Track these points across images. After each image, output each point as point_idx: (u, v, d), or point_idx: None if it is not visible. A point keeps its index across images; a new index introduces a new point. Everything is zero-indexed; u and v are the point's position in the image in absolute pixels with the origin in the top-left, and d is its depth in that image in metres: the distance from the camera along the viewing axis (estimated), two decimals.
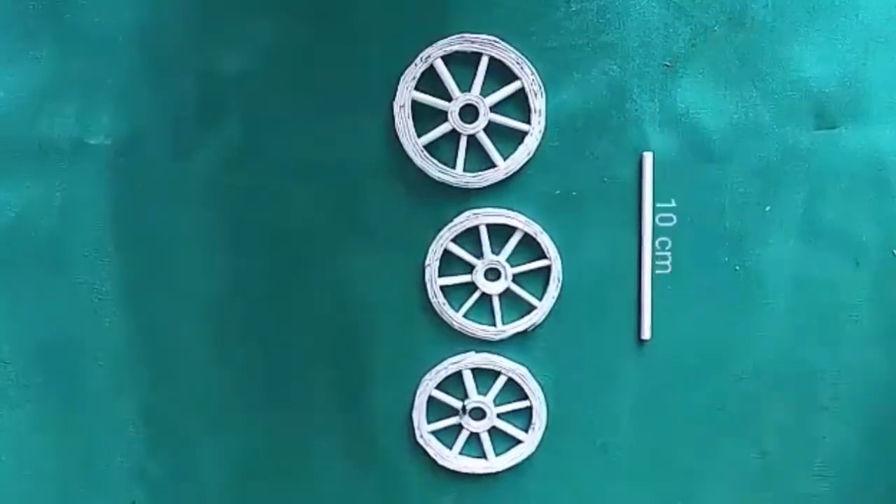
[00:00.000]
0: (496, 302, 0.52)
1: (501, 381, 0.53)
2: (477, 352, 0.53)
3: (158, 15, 0.51)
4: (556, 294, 0.52)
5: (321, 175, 0.52)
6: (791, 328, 0.52)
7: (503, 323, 0.52)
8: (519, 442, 0.53)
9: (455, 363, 0.52)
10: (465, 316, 0.52)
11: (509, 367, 0.52)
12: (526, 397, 0.53)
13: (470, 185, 0.51)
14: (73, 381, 0.56)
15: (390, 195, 0.52)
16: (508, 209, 0.51)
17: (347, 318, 0.54)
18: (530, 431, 0.52)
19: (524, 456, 0.53)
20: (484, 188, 0.51)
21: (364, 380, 0.55)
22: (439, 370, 0.52)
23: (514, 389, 0.53)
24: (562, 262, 0.52)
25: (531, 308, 0.52)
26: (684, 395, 0.51)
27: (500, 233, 0.52)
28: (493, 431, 0.53)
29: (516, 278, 0.52)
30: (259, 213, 0.53)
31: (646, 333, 0.52)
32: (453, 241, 0.52)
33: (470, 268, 0.52)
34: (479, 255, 0.52)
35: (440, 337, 0.53)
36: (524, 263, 0.52)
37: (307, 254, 0.54)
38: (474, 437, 0.54)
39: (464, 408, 0.52)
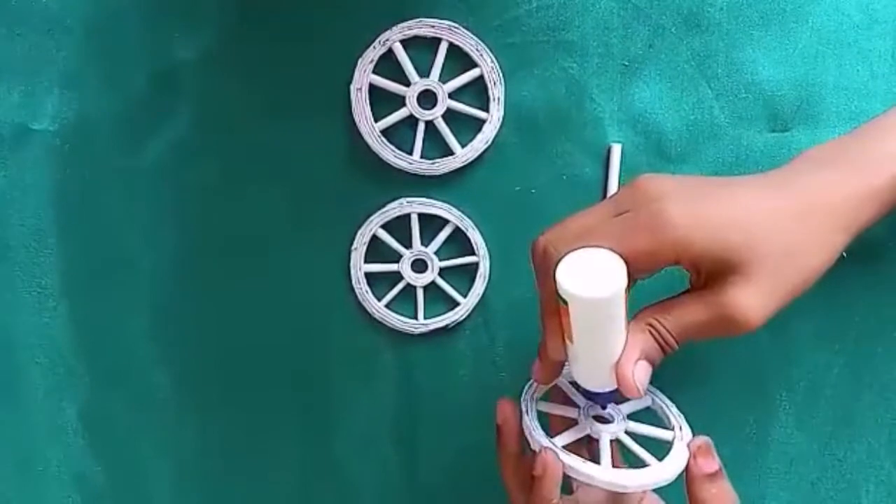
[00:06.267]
0: (420, 294, 0.52)
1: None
2: None
3: None
4: (481, 292, 0.52)
5: (277, 161, 0.51)
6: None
7: (425, 317, 0.52)
8: None
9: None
10: (387, 306, 0.52)
11: None
12: None
13: (426, 172, 0.50)
14: (7, 380, 0.54)
15: (345, 181, 0.51)
16: (447, 203, 0.51)
17: (302, 311, 0.53)
18: None
19: None
20: (440, 178, 0.50)
21: (315, 375, 0.53)
22: None
23: None
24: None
25: (455, 304, 0.52)
26: None
27: (435, 225, 0.51)
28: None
29: (444, 272, 0.52)
30: (211, 202, 0.52)
31: None
32: (384, 228, 0.51)
33: (399, 257, 0.52)
34: (409, 245, 0.51)
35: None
36: (453, 258, 0.52)
37: (262, 242, 0.52)
38: None
39: None
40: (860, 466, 0.53)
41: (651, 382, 0.45)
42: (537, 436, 0.40)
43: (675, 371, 0.53)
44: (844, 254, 0.52)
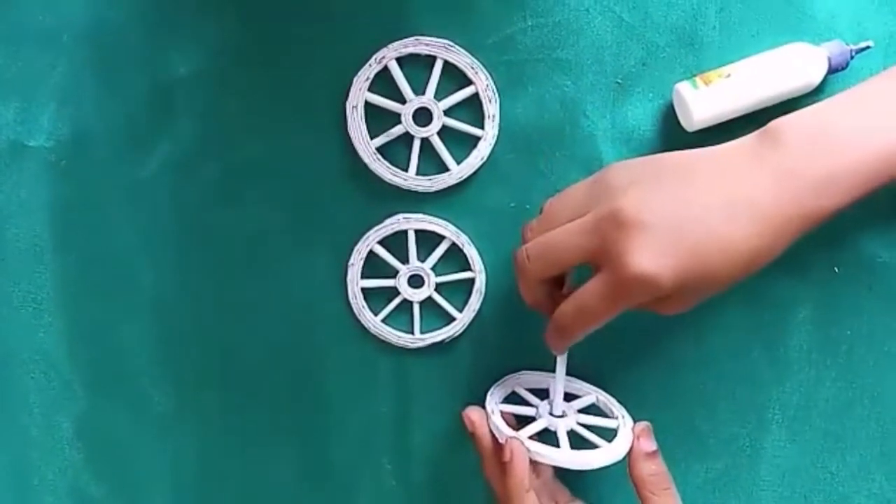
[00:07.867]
0: (416, 309, 0.52)
1: None
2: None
3: (107, 14, 0.51)
4: (477, 307, 0.52)
5: (274, 177, 0.52)
6: (739, 343, 0.53)
7: (421, 332, 0.52)
8: None
9: None
10: (383, 321, 0.52)
11: None
12: None
13: (422, 189, 0.51)
14: (3, 395, 0.54)
15: (341, 198, 0.51)
16: (443, 219, 0.51)
17: (299, 325, 0.53)
18: None
19: None
20: (436, 194, 0.51)
21: (312, 389, 0.54)
22: None
23: None
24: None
25: (451, 319, 0.52)
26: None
27: (431, 241, 0.52)
28: None
29: (440, 288, 0.52)
30: (209, 218, 0.52)
31: None
32: (381, 244, 0.51)
33: (396, 273, 0.52)
34: (406, 261, 0.51)
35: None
36: (450, 273, 0.52)
37: (259, 258, 0.53)
38: None
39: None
40: (852, 479, 0.54)
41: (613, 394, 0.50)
42: (503, 429, 0.45)
43: (668, 384, 0.53)
44: (837, 269, 0.53)
